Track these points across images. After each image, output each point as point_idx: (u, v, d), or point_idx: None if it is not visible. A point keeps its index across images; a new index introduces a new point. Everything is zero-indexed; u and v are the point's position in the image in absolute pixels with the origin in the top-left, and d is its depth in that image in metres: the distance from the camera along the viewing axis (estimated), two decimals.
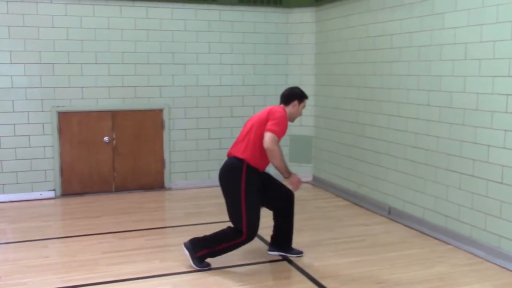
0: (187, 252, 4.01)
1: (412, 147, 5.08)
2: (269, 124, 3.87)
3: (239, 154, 3.93)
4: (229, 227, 3.99)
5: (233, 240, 3.91)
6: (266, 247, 4.44)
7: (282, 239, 4.28)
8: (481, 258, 4.20)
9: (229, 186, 3.95)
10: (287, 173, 3.98)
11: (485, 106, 4.21)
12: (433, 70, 4.77)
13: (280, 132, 3.88)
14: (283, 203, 4.19)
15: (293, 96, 4.18)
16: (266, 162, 4.01)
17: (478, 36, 4.24)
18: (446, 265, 4.08)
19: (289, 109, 4.15)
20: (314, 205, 5.94)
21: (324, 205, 5.95)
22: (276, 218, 4.26)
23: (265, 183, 4.11)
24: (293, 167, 7.17)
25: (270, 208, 4.23)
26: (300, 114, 4.25)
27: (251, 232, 3.88)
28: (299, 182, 4.05)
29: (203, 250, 3.96)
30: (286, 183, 4.13)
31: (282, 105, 4.16)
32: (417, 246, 4.52)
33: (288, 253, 4.28)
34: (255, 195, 3.91)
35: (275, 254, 4.30)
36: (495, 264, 4.07)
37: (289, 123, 4.11)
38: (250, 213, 3.85)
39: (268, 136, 3.82)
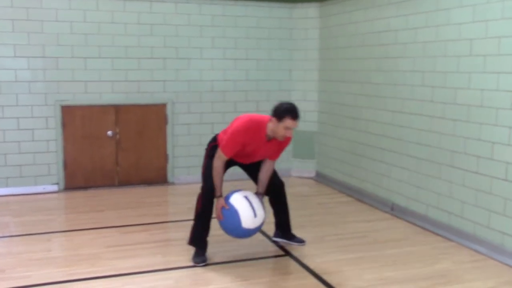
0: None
1: (416, 144, 5.07)
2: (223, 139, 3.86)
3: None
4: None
5: (198, 204, 3.99)
6: (267, 242, 4.45)
7: (282, 226, 4.33)
8: (484, 255, 4.19)
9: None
10: (217, 192, 3.85)
11: (489, 103, 4.19)
12: (437, 66, 4.75)
13: (224, 148, 3.75)
14: (273, 192, 4.20)
15: (275, 111, 3.70)
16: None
17: (483, 32, 4.22)
18: (448, 262, 4.07)
19: (270, 124, 3.72)
20: (317, 201, 5.93)
21: (327, 201, 5.94)
22: (271, 204, 4.29)
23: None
24: (296, 163, 7.18)
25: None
26: (281, 134, 3.67)
27: (207, 188, 3.94)
28: (218, 210, 3.84)
29: (191, 237, 4.05)
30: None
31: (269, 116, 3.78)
32: (419, 242, 4.51)
33: (290, 241, 4.32)
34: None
35: (278, 240, 4.36)
36: (498, 261, 4.06)
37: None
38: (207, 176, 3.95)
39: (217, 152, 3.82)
